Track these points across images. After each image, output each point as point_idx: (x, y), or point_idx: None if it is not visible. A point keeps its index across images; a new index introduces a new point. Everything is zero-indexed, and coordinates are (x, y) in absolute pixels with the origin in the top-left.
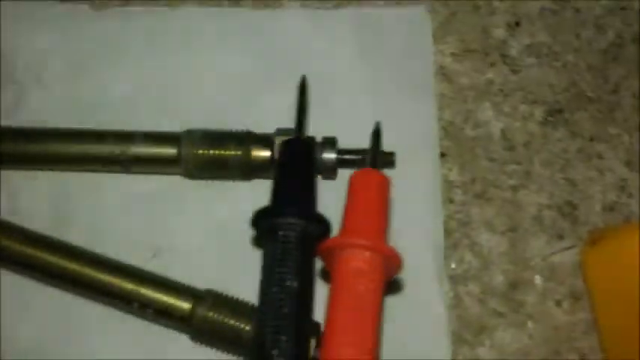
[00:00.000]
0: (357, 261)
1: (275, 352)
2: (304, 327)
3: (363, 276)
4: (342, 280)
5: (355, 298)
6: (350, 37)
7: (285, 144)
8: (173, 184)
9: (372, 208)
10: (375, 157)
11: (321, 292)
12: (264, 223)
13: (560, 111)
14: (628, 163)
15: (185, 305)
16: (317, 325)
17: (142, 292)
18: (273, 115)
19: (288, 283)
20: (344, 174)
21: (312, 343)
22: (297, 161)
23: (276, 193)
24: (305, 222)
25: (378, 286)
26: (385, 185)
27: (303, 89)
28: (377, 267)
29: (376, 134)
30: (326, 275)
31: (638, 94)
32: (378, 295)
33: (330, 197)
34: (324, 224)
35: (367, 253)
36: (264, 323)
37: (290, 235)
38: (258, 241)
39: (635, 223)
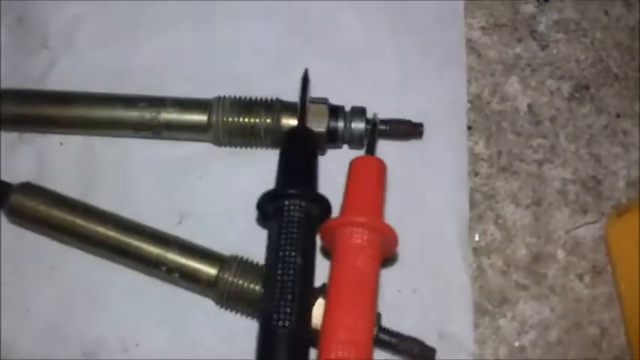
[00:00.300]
0: (357, 238)
1: (281, 323)
2: (307, 300)
3: (362, 252)
4: (342, 256)
5: (354, 272)
6: (380, 8)
7: (289, 133)
8: (200, 151)
9: (370, 191)
10: (373, 145)
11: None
12: (269, 205)
13: (586, 87)
14: None
15: (211, 270)
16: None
17: (169, 257)
18: (296, 83)
19: (292, 260)
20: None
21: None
22: (299, 148)
23: (281, 178)
24: (307, 203)
25: (375, 261)
26: (382, 170)
27: (305, 82)
28: (375, 244)
29: (374, 125)
30: (326, 253)
31: None
32: (375, 270)
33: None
34: (325, 205)
35: (366, 231)
36: (270, 297)
37: (294, 215)
38: (263, 222)
39: None
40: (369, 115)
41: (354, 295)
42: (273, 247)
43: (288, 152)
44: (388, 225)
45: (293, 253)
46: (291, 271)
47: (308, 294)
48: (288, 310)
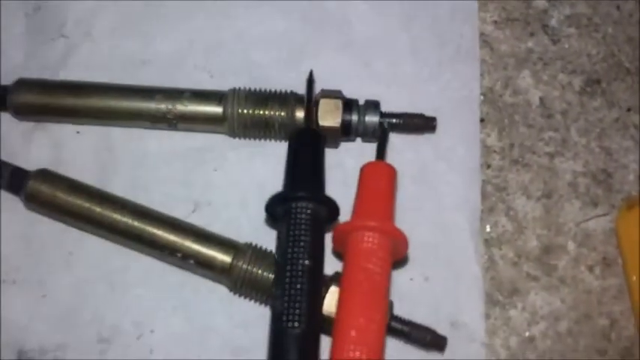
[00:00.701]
0: (367, 242)
1: (290, 324)
2: (316, 300)
3: (372, 255)
4: (354, 259)
5: (366, 275)
6: (394, 1)
7: (296, 134)
8: (215, 141)
9: (381, 196)
10: (383, 150)
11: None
12: (277, 208)
13: (598, 81)
14: None
15: (226, 257)
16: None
17: (184, 244)
18: (317, 76)
19: (301, 261)
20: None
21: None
22: (307, 150)
23: (289, 180)
24: (315, 205)
25: (386, 263)
26: (392, 175)
27: (310, 83)
28: (385, 247)
29: (383, 132)
30: (339, 255)
31: None
32: (386, 272)
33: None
34: (332, 206)
35: (376, 235)
36: (280, 299)
37: (302, 217)
38: (272, 224)
39: None
40: (383, 109)
41: (366, 297)
42: (282, 249)
43: (295, 154)
44: (398, 229)
45: (301, 255)
46: (300, 273)
47: (317, 294)
48: (298, 311)
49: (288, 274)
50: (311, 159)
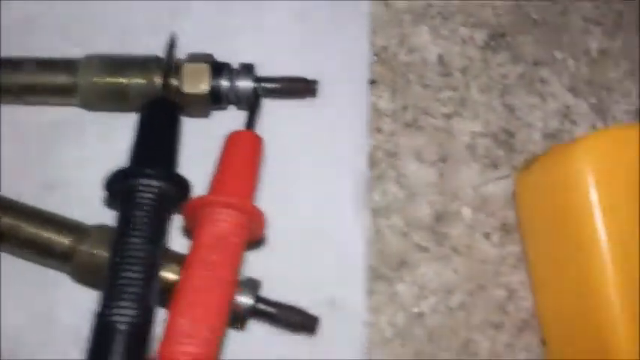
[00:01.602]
0: (221, 220)
1: (116, 318)
2: (150, 293)
3: (222, 237)
4: (199, 240)
5: (206, 264)
6: None
7: (148, 104)
8: (69, 114)
9: (243, 169)
10: (254, 118)
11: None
12: (119, 185)
13: (502, 35)
14: (572, 89)
15: (65, 240)
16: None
17: (22, 228)
18: (191, 40)
19: (138, 247)
20: None
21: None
22: (159, 122)
23: (134, 154)
24: (162, 184)
25: (236, 246)
26: (258, 146)
27: (171, 47)
28: (241, 225)
29: (256, 98)
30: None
31: (588, 17)
32: (235, 254)
33: None
34: (182, 185)
35: (232, 212)
36: (109, 288)
37: (146, 197)
38: (112, 204)
39: (570, 143)
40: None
41: (209, 282)
42: (119, 233)
43: (144, 126)
44: (256, 207)
45: (140, 241)
46: (135, 260)
47: (151, 286)
48: (127, 303)
49: (117, 260)
50: (161, 132)
